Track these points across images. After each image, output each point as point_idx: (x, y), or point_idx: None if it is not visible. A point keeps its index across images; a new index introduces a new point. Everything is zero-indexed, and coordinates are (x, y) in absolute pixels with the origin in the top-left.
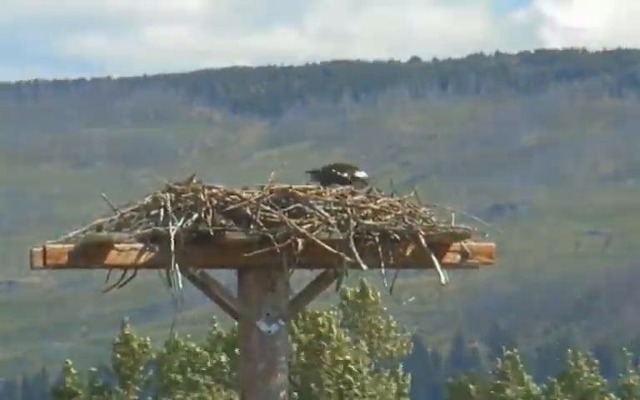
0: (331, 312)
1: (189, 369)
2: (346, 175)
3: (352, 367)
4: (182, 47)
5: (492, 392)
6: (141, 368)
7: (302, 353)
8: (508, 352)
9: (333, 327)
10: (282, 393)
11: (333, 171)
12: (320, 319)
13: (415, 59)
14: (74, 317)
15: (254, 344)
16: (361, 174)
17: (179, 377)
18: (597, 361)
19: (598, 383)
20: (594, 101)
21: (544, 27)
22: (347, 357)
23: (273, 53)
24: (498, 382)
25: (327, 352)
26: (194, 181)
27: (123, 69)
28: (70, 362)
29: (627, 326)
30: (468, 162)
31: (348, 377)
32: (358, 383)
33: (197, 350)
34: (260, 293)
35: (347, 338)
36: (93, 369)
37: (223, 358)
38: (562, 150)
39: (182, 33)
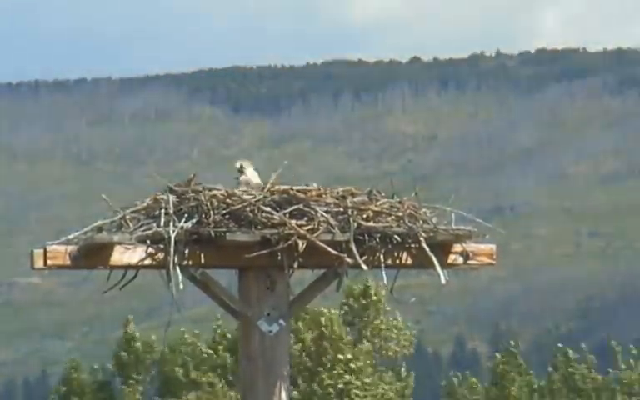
0: (333, 312)
1: (192, 367)
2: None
3: (353, 365)
4: (183, 47)
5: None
6: (144, 367)
7: (305, 354)
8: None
9: (335, 327)
10: (283, 393)
11: None
12: (322, 319)
13: (415, 59)
14: (74, 317)
15: (255, 344)
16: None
17: (181, 374)
18: (594, 360)
19: (598, 380)
20: (594, 101)
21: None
22: (349, 356)
23: (274, 53)
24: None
25: (330, 352)
26: (194, 182)
27: (124, 69)
28: (75, 361)
29: (627, 326)
30: (468, 162)
31: (348, 376)
32: (359, 383)
33: (202, 349)
34: (261, 293)
35: (349, 337)
36: (95, 367)
37: (228, 357)
38: (562, 150)
39: (183, 33)
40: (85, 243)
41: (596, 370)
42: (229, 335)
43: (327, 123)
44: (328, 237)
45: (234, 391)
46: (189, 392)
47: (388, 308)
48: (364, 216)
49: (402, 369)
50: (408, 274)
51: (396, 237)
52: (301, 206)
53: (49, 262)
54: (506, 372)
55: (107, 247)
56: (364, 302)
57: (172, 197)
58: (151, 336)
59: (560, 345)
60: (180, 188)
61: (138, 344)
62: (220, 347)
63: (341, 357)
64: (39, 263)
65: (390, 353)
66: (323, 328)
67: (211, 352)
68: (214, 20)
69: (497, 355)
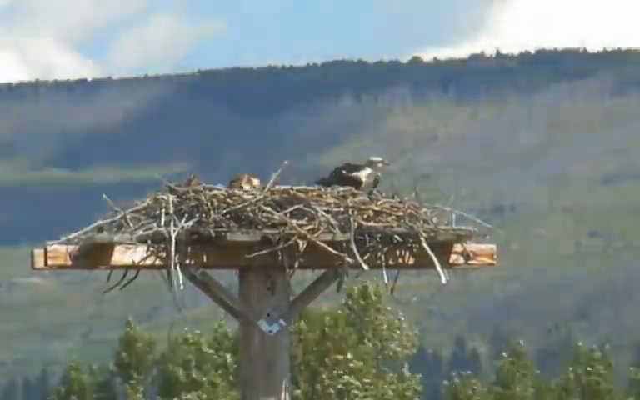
0: (339, 312)
1: (194, 366)
2: (355, 175)
3: (353, 365)
4: (184, 47)
5: (496, 388)
6: (145, 367)
7: (310, 355)
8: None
9: (339, 328)
10: (283, 393)
11: (344, 172)
12: (327, 319)
13: (416, 59)
14: (74, 317)
15: (255, 344)
16: (376, 158)
17: (182, 375)
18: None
19: (607, 383)
20: (594, 101)
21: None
22: (349, 356)
23: (274, 54)
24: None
25: (332, 352)
26: (194, 182)
27: (124, 69)
28: (75, 362)
29: (628, 326)
30: (468, 162)
31: (347, 377)
32: (358, 383)
33: (203, 349)
34: (261, 294)
35: (354, 337)
36: (95, 367)
37: (229, 357)
38: (562, 150)
39: (184, 33)
40: (85, 243)
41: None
42: (230, 335)
43: (328, 124)
44: (329, 237)
45: (235, 390)
46: (190, 392)
47: (389, 308)
48: (365, 216)
49: (405, 370)
50: (408, 274)
51: (396, 237)
52: (301, 206)
53: (49, 262)
54: (512, 373)
55: (108, 247)
56: (363, 302)
57: (172, 197)
58: (152, 336)
59: (580, 344)
60: (180, 188)
61: (139, 344)
62: (221, 347)
63: (341, 357)
64: (39, 263)
65: (391, 354)
66: (326, 328)
67: (211, 351)
68: (214, 20)
69: (504, 354)
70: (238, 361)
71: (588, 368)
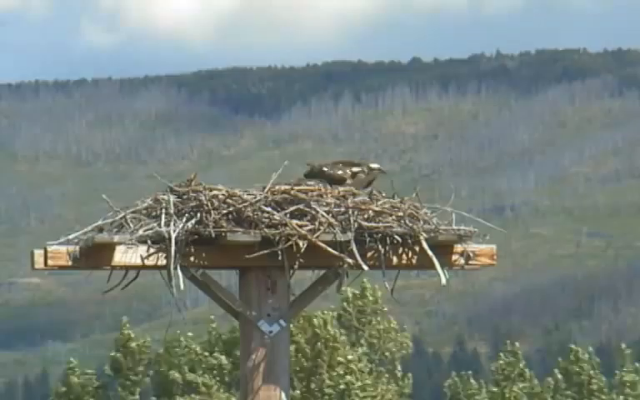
0: (326, 313)
1: (187, 369)
2: (340, 172)
3: (354, 366)
4: (183, 48)
5: (494, 390)
6: (140, 368)
7: (300, 355)
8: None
9: (329, 327)
10: (283, 394)
11: (324, 169)
12: (315, 320)
13: (416, 60)
14: (74, 317)
15: (255, 345)
16: (374, 165)
17: (176, 376)
18: (598, 360)
19: (601, 384)
20: (594, 101)
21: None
22: (349, 357)
23: (274, 54)
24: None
25: (325, 353)
26: (194, 182)
27: (124, 69)
28: (74, 361)
29: (628, 326)
30: (468, 162)
31: (349, 377)
32: (359, 383)
33: (198, 350)
34: (261, 294)
35: (343, 338)
36: (90, 371)
37: (224, 359)
38: (562, 150)
39: (183, 33)
40: (85, 244)
41: (599, 371)
42: (224, 336)
43: (328, 124)
44: (329, 237)
45: (230, 393)
46: (185, 395)
47: (385, 309)
48: (365, 216)
49: (398, 370)
50: (408, 275)
51: (396, 237)
52: (302, 206)
53: (50, 262)
54: (508, 374)
55: (108, 248)
56: (361, 303)
57: (172, 197)
58: (146, 337)
59: (573, 346)
60: (180, 188)
61: (134, 345)
62: (215, 349)
63: (341, 359)
64: (40, 264)
65: (387, 354)
66: (317, 330)
67: (206, 353)
68: (214, 20)
69: (501, 355)
70: (233, 362)
71: (577, 369)
